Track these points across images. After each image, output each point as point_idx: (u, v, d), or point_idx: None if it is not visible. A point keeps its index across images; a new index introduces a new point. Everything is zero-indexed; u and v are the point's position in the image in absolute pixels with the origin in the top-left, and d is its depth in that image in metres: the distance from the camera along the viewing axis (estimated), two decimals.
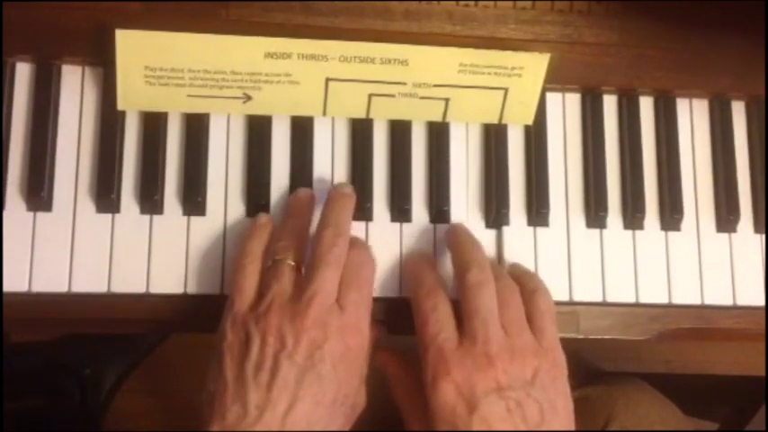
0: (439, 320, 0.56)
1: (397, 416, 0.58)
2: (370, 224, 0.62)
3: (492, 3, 0.64)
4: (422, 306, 0.57)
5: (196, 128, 0.62)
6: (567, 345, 0.58)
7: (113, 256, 0.59)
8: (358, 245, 0.58)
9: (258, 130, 0.62)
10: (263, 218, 0.59)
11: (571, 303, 0.62)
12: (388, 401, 0.58)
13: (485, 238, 0.63)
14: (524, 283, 0.59)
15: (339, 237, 0.56)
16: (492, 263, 0.60)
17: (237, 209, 0.61)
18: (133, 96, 0.60)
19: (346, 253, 0.56)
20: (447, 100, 0.62)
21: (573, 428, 0.56)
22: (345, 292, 0.55)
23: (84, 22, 0.60)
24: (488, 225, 0.64)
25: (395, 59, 0.60)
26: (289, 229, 0.58)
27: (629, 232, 0.64)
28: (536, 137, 0.65)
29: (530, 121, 0.64)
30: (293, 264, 0.56)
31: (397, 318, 0.61)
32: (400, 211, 0.62)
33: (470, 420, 0.52)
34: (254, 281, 0.56)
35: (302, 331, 0.53)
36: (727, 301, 0.64)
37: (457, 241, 0.60)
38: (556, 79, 0.63)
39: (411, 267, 0.60)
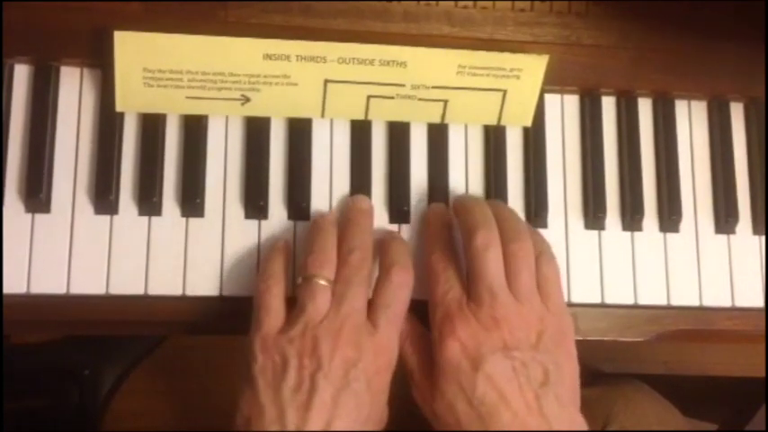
0: (448, 281, 0.57)
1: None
2: None
3: (490, 4, 0.64)
4: (434, 267, 0.58)
5: (194, 129, 0.61)
6: None
7: (112, 257, 0.59)
8: (400, 264, 0.58)
9: (257, 132, 0.62)
10: (281, 242, 0.59)
11: (569, 305, 0.62)
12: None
13: None
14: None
15: (365, 260, 0.57)
16: (520, 221, 0.60)
17: (236, 211, 0.61)
18: (132, 98, 0.60)
19: (372, 270, 0.57)
20: (446, 101, 0.62)
21: (579, 393, 0.56)
22: (380, 310, 0.56)
23: (82, 23, 0.60)
24: None
25: (393, 61, 0.60)
26: (319, 246, 0.57)
27: (628, 234, 0.64)
28: (535, 138, 0.65)
29: (528, 123, 0.64)
30: (325, 284, 0.55)
31: None
32: (399, 212, 0.62)
33: (475, 377, 0.53)
34: (282, 301, 0.56)
35: (336, 350, 0.53)
36: (726, 303, 0.64)
37: (463, 205, 0.61)
38: (554, 81, 0.63)
39: (428, 231, 0.60)
